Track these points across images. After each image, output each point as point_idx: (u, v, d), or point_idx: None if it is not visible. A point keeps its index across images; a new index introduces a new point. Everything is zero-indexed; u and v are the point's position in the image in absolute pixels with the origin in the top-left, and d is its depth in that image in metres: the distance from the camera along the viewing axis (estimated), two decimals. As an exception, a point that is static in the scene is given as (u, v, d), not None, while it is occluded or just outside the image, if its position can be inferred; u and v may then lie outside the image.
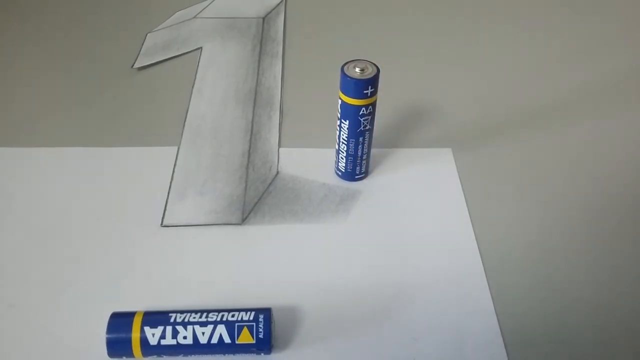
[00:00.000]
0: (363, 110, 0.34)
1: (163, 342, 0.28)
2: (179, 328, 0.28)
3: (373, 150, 0.38)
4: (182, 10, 0.54)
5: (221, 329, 0.28)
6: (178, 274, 0.33)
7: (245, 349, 0.28)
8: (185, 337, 0.28)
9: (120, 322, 0.28)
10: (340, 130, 0.36)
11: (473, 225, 0.35)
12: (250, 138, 0.41)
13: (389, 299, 0.32)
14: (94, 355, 0.29)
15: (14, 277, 0.32)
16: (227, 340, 0.28)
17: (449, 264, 0.33)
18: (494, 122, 0.43)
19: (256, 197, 0.37)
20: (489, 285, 0.32)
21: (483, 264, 0.33)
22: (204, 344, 0.28)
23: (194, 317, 0.28)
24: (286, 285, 0.32)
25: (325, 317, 0.31)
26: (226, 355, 0.29)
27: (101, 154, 0.40)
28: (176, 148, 0.40)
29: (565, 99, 0.45)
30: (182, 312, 0.28)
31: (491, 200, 0.37)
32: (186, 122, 0.42)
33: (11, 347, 0.29)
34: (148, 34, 0.51)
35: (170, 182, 0.38)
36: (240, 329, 0.28)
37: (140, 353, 0.28)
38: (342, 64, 0.34)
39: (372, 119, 0.35)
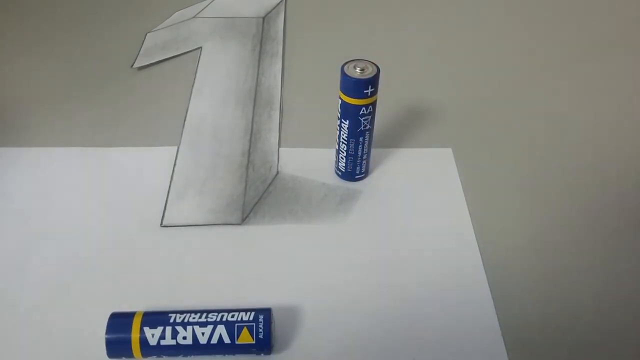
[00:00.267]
0: (363, 110, 0.34)
1: (163, 342, 0.28)
2: (179, 328, 0.28)
3: (373, 150, 0.38)
4: (181, 10, 0.54)
5: (221, 330, 0.28)
6: (178, 274, 0.33)
7: (245, 349, 0.28)
8: (185, 338, 0.28)
9: (119, 322, 0.28)
10: (340, 130, 0.36)
11: (473, 225, 0.35)
12: (250, 138, 0.41)
13: (389, 299, 0.32)
14: (94, 356, 0.29)
15: (14, 277, 0.32)
16: (226, 340, 0.28)
17: (449, 264, 0.33)
18: (494, 122, 0.43)
19: (256, 197, 0.37)
20: (489, 285, 0.32)
21: (483, 264, 0.33)
22: (203, 345, 0.28)
23: (194, 318, 0.28)
24: (286, 285, 0.32)
25: (325, 317, 0.31)
26: (226, 355, 0.29)
27: (101, 154, 0.40)
28: (176, 148, 0.40)
29: (565, 99, 0.45)
30: (181, 312, 0.28)
31: (491, 200, 0.37)
32: (186, 122, 0.42)
33: (11, 347, 0.29)
34: (148, 34, 0.51)
35: (170, 182, 0.38)
36: (240, 329, 0.28)
37: (139, 353, 0.28)
38: (342, 64, 0.34)
39: (372, 119, 0.35)
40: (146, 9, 0.54)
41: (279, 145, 0.41)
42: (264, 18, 0.51)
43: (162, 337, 0.28)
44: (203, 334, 0.28)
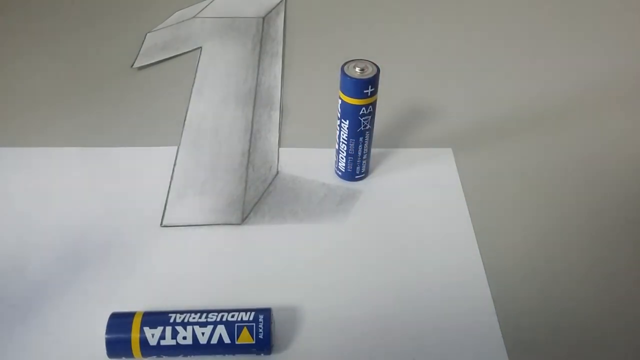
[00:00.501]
0: (363, 110, 0.34)
1: (163, 342, 0.28)
2: (179, 328, 0.28)
3: (373, 150, 0.38)
4: (181, 10, 0.54)
5: (221, 330, 0.28)
6: (178, 274, 0.33)
7: (245, 349, 0.28)
8: (185, 338, 0.28)
9: (119, 322, 0.28)
10: (340, 130, 0.36)
11: (473, 225, 0.35)
12: (250, 138, 0.41)
13: (389, 299, 0.32)
14: (94, 356, 0.28)
15: (14, 277, 0.32)
16: (226, 340, 0.28)
17: (449, 264, 0.33)
18: (494, 122, 0.43)
19: (256, 197, 0.37)
20: (489, 285, 0.32)
21: (483, 264, 0.33)
22: (203, 345, 0.28)
23: (194, 318, 0.28)
24: (286, 285, 0.32)
25: (325, 317, 0.31)
26: (226, 355, 0.28)
27: (101, 154, 0.40)
28: (176, 148, 0.40)
29: (565, 99, 0.45)
30: (181, 312, 0.28)
31: (491, 200, 0.37)
32: (186, 122, 0.42)
33: (12, 347, 0.29)
34: (148, 34, 0.51)
35: (170, 182, 0.38)
36: (240, 329, 0.28)
37: (139, 353, 0.28)
38: (342, 64, 0.34)
39: (372, 118, 0.35)
40: (146, 9, 0.54)
41: (279, 145, 0.41)
42: (264, 18, 0.51)
43: (162, 337, 0.28)
44: (203, 334, 0.28)
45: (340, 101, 0.35)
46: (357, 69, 0.34)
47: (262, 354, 0.29)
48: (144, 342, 0.28)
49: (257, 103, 0.43)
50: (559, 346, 0.30)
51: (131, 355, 0.28)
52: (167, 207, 0.36)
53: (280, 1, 0.54)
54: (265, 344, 0.28)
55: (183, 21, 0.51)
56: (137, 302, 0.31)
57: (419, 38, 0.51)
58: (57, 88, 0.45)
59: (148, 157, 0.40)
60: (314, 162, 0.39)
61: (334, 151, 0.38)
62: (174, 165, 0.39)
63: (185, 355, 0.28)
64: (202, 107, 0.43)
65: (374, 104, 0.35)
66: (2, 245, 0.34)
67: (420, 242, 0.34)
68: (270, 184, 0.38)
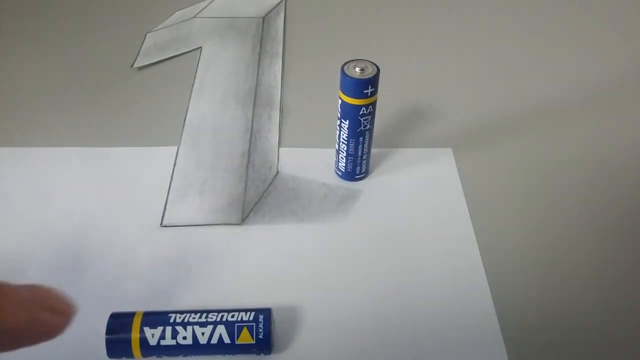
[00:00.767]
0: (363, 110, 0.34)
1: (163, 342, 0.28)
2: (179, 328, 0.28)
3: (373, 150, 0.38)
4: (181, 10, 0.54)
5: (221, 330, 0.28)
6: (178, 274, 0.33)
7: (245, 349, 0.28)
8: (185, 338, 0.28)
9: (119, 322, 0.28)
10: (340, 130, 0.36)
11: (473, 225, 0.35)
12: (250, 138, 0.41)
13: (389, 299, 0.32)
14: (94, 356, 0.28)
15: (13, 277, 0.32)
16: (226, 340, 0.28)
17: (449, 264, 0.33)
18: (494, 122, 0.43)
19: (256, 197, 0.37)
20: (489, 285, 0.32)
21: (483, 264, 0.33)
22: (203, 345, 0.28)
23: (194, 318, 0.28)
24: (286, 285, 0.32)
25: (325, 317, 0.31)
26: (226, 355, 0.28)
27: (101, 154, 0.40)
28: (176, 148, 0.40)
29: (565, 99, 0.45)
30: (181, 312, 0.28)
31: (491, 200, 0.37)
32: (186, 122, 0.42)
33: (11, 348, 0.29)
34: (148, 34, 0.51)
35: (170, 182, 0.38)
36: (240, 329, 0.28)
37: (139, 353, 0.28)
38: (342, 64, 0.34)
39: (372, 118, 0.35)
40: (146, 9, 0.54)
41: (279, 145, 0.41)
42: (264, 18, 0.51)
43: (162, 337, 0.28)
44: (203, 334, 0.28)
45: (340, 101, 0.35)
46: (357, 69, 0.34)
47: (262, 354, 0.29)
48: (144, 342, 0.28)
49: (257, 103, 0.43)
50: (559, 346, 0.30)
51: (131, 355, 0.28)
52: (167, 207, 0.36)
53: (280, 1, 0.54)
54: (265, 344, 0.28)
55: (183, 21, 0.52)
56: (137, 302, 0.31)
57: (419, 38, 0.51)
58: (57, 88, 0.45)
59: (148, 157, 0.40)
60: (314, 162, 0.39)
61: (334, 151, 0.38)
62: (174, 165, 0.39)
63: (185, 355, 0.28)
64: (202, 107, 0.43)
65: (374, 104, 0.35)
66: (2, 246, 0.34)
67: (420, 242, 0.34)
68: (270, 184, 0.38)
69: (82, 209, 0.36)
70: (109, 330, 0.28)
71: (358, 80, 0.33)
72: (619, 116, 0.44)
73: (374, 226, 0.35)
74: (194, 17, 0.52)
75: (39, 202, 0.36)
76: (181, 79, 0.46)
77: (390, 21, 0.53)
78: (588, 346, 0.30)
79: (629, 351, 0.30)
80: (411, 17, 0.54)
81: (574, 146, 0.41)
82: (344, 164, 0.37)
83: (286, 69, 0.47)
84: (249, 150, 0.40)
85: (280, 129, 0.42)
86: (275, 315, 0.30)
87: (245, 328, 0.28)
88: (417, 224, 0.35)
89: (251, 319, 0.28)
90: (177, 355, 0.28)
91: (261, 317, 0.28)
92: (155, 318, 0.28)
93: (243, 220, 0.36)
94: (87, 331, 0.30)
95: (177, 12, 0.53)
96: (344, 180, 0.38)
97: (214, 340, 0.28)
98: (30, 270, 0.33)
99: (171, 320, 0.28)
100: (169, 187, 0.38)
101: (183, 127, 0.42)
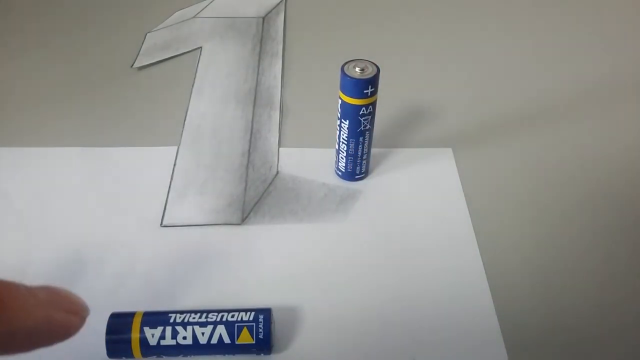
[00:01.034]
0: (363, 110, 0.34)
1: (163, 342, 0.28)
2: (179, 328, 0.28)
3: (373, 150, 0.38)
4: (181, 10, 0.54)
5: (221, 330, 0.28)
6: (178, 274, 0.33)
7: (245, 349, 0.28)
8: (185, 338, 0.28)
9: (119, 322, 0.28)
10: (340, 130, 0.36)
11: (473, 225, 0.35)
12: (250, 138, 0.41)
13: (389, 299, 0.32)
14: (94, 356, 0.28)
15: (13, 277, 0.32)
16: (226, 340, 0.28)
17: (449, 264, 0.33)
18: (494, 122, 0.43)
19: (256, 197, 0.37)
20: (489, 285, 0.32)
21: (483, 264, 0.33)
22: (203, 345, 0.28)
23: (194, 318, 0.28)
24: (286, 285, 0.32)
25: (325, 317, 0.31)
26: (226, 355, 0.28)
27: (101, 154, 0.40)
28: (176, 148, 0.40)
29: (565, 99, 0.45)
30: (181, 312, 0.28)
31: (491, 200, 0.37)
32: (186, 122, 0.42)
33: (11, 348, 0.29)
34: (148, 34, 0.51)
35: (170, 182, 0.38)
36: (240, 329, 0.28)
37: (140, 353, 0.28)
38: (342, 64, 0.34)
39: (372, 118, 0.35)
40: (146, 9, 0.54)
41: (279, 145, 0.41)
42: (264, 18, 0.51)
43: (162, 337, 0.28)
44: (203, 334, 0.28)
45: (340, 101, 0.35)
46: (357, 69, 0.34)
47: (262, 354, 0.29)
48: (144, 342, 0.28)
49: (257, 103, 0.43)
50: (559, 346, 0.30)
51: (131, 356, 0.28)
52: (167, 207, 0.36)
53: (280, 1, 0.54)
54: (265, 344, 0.28)
55: (183, 21, 0.52)
56: (137, 302, 0.31)
57: (419, 38, 0.51)
58: (57, 88, 0.45)
59: (148, 157, 0.40)
60: (314, 162, 0.39)
61: (334, 151, 0.38)
62: (174, 165, 0.39)
63: (185, 355, 0.28)
64: (202, 107, 0.43)
65: (374, 104, 0.35)
66: (2, 245, 0.34)
67: (420, 242, 0.34)
68: (270, 184, 0.38)
69: (82, 209, 0.36)
70: (109, 330, 0.28)
71: (358, 80, 0.33)
72: (619, 116, 0.44)
73: (374, 226, 0.35)
74: (194, 17, 0.52)
75: (39, 202, 0.36)
76: (181, 79, 0.46)
77: (390, 21, 0.53)
78: (588, 346, 0.30)
79: (629, 351, 0.30)
80: (411, 17, 0.54)
81: (573, 146, 0.41)
82: (344, 164, 0.37)
83: (286, 69, 0.47)
84: (249, 150, 0.40)
85: (280, 129, 0.42)
86: (275, 315, 0.30)
87: (245, 328, 0.28)
88: (417, 224, 0.35)
89: (251, 319, 0.28)
90: (177, 355, 0.28)
91: (261, 317, 0.28)
92: (155, 318, 0.28)
93: (243, 220, 0.36)
94: (87, 331, 0.30)
95: (177, 12, 0.53)
96: (344, 180, 0.38)
97: (214, 340, 0.28)
98: (31, 270, 0.33)
99: (171, 320, 0.28)
100: (169, 187, 0.38)
101: (183, 127, 0.42)
